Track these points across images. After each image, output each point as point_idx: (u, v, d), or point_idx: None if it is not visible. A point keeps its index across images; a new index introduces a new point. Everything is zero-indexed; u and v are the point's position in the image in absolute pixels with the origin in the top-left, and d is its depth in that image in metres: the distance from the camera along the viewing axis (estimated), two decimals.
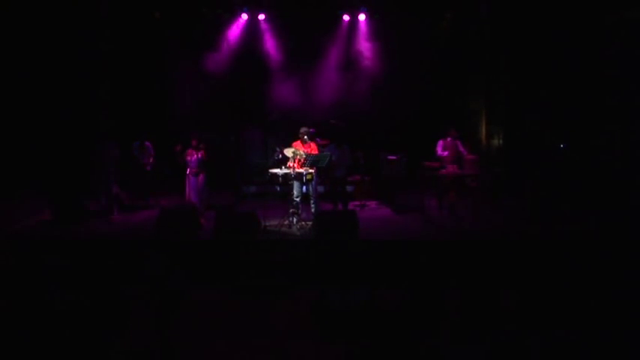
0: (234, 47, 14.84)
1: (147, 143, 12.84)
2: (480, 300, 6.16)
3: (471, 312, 6.06)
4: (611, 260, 8.30)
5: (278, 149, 10.77)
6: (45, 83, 13.16)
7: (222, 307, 7.86)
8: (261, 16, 14.63)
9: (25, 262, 7.95)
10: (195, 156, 10.94)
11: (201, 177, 11.04)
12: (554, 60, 13.07)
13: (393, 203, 12.29)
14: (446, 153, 11.51)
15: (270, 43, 14.89)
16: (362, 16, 14.55)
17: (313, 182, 10.65)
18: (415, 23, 14.41)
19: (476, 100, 14.84)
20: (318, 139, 11.63)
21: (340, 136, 12.23)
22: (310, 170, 10.35)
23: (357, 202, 12.81)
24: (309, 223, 10.38)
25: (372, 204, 13.07)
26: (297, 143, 10.68)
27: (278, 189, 11.84)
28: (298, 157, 10.34)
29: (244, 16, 14.57)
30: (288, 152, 10.39)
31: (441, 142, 11.64)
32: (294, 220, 10.38)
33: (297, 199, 10.59)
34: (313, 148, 10.71)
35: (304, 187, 10.71)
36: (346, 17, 14.62)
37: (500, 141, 15.02)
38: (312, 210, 10.83)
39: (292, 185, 10.54)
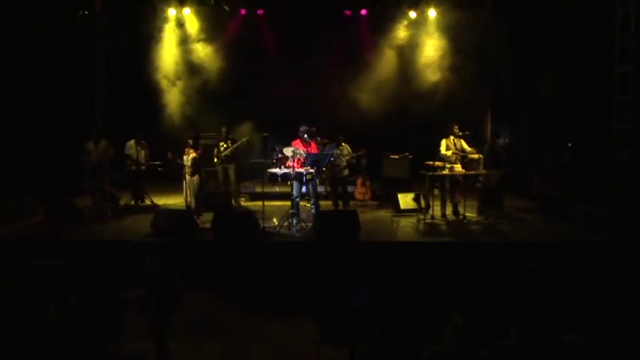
0: (232, 42, 14.86)
1: (142, 142, 12.84)
2: (485, 303, 6.16)
3: (475, 316, 6.06)
4: (621, 262, 8.30)
5: (277, 148, 10.79)
6: (37, 81, 13.15)
7: (219, 310, 7.89)
8: (260, 12, 14.67)
9: (16, 265, 7.94)
10: (192, 156, 10.94)
11: (197, 177, 11.05)
12: (563, 55, 13.08)
13: (396, 203, 12.30)
14: (449, 152, 11.52)
15: (269, 39, 14.92)
16: (363, 12, 14.57)
17: (313, 182, 10.66)
18: (417, 17, 14.44)
19: (481, 97, 14.87)
20: (318, 138, 11.66)
21: (341, 135, 12.26)
22: (310, 170, 10.36)
23: (359, 203, 12.82)
24: (309, 224, 10.40)
25: (374, 204, 13.09)
26: (297, 142, 10.69)
27: (277, 189, 11.86)
28: (298, 156, 10.35)
29: (242, 12, 14.61)
30: (288, 151, 10.41)
31: (444, 141, 11.64)
32: (294, 221, 10.39)
33: (297, 200, 10.61)
34: (313, 148, 10.72)
35: (304, 188, 10.73)
36: (347, 12, 14.64)
37: (506, 140, 15.06)
38: (312, 211, 10.85)
39: (292, 185, 10.56)
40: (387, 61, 14.72)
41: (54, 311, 6.11)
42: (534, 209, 12.16)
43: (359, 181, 13.23)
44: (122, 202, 12.50)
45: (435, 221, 11.11)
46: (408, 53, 14.64)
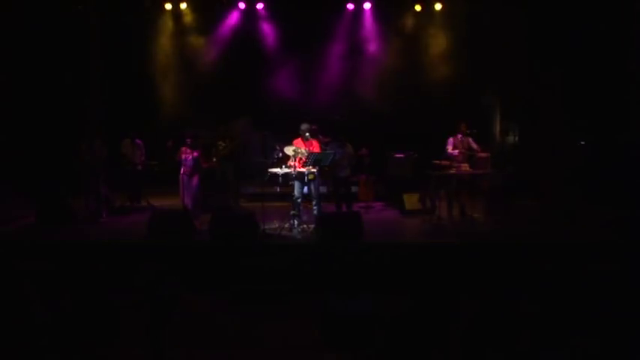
0: (230, 37, 14.85)
1: (137, 141, 12.84)
2: (493, 308, 6.15)
3: (483, 321, 6.05)
4: (636, 266, 8.28)
5: (278, 147, 10.77)
6: (27, 78, 13.16)
7: (218, 315, 7.87)
8: (260, 5, 14.65)
9: (7, 268, 7.95)
10: (190, 155, 10.95)
11: (195, 178, 11.06)
12: (574, 50, 13.04)
13: (400, 204, 12.28)
14: (456, 151, 11.50)
15: (268, 33, 14.91)
16: (367, 5, 14.55)
17: (315, 182, 10.65)
18: (423, 11, 14.41)
19: (489, 94, 14.83)
20: (320, 136, 11.64)
21: (344, 133, 12.23)
22: (312, 169, 10.35)
23: (362, 204, 12.82)
24: (311, 225, 10.39)
25: (378, 205, 13.10)
26: (298, 141, 10.67)
27: (278, 190, 11.84)
28: (299, 155, 10.35)
29: (241, 5, 14.61)
30: (289, 150, 10.40)
31: (451, 140, 11.63)
32: (295, 222, 10.40)
33: (298, 201, 10.60)
34: (315, 146, 10.71)
35: (306, 188, 10.73)
36: (350, 6, 14.62)
37: (516, 138, 15.02)
38: (314, 212, 10.84)
39: (293, 186, 10.55)
40: (391, 56, 14.67)
41: (44, 316, 6.11)
42: (545, 210, 12.11)
43: (362, 181, 13.21)
44: (117, 203, 12.49)
45: (442, 222, 11.09)
46: (413, 48, 14.60)
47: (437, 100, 14.32)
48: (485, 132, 14.27)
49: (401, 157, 13.55)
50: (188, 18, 14.84)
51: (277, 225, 10.53)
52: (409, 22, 14.73)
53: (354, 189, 12.98)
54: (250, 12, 14.81)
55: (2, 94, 12.61)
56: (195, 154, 10.97)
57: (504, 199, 11.98)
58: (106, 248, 9.51)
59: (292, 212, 10.48)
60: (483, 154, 11.64)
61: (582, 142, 13.54)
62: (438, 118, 13.62)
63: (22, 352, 5.82)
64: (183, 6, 14.69)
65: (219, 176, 12.71)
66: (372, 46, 14.96)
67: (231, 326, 7.49)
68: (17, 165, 12.70)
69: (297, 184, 10.51)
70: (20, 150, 12.92)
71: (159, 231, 9.91)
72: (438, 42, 14.63)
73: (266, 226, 10.31)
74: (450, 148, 11.59)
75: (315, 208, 10.86)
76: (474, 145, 11.55)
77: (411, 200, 12.15)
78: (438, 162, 11.57)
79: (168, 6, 14.69)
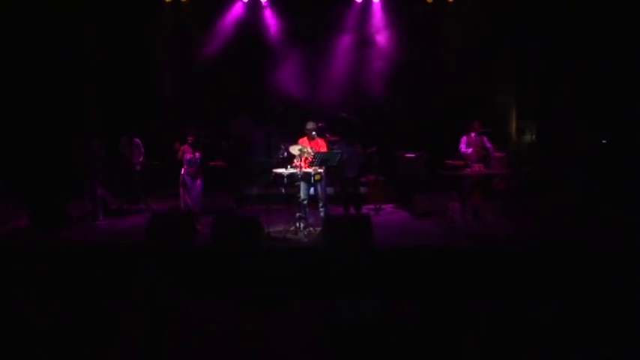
0: (233, 30, 14.89)
1: (136, 140, 12.87)
2: (508, 315, 6.16)
3: (497, 328, 6.06)
4: None
5: (283, 146, 10.80)
6: (22, 75, 13.21)
7: (220, 322, 7.92)
8: None
9: (0, 273, 8.01)
10: (192, 155, 10.97)
11: (198, 179, 11.08)
12: (594, 43, 13.02)
13: (412, 206, 12.30)
14: (470, 150, 11.50)
15: (273, 27, 14.94)
16: None
17: (322, 183, 10.68)
18: (436, 4, 14.41)
19: (505, 91, 14.82)
20: (327, 135, 11.67)
21: (352, 132, 12.25)
22: (319, 170, 10.37)
23: (371, 206, 12.83)
24: (318, 228, 10.43)
25: (388, 207, 13.10)
26: (304, 140, 10.71)
27: (283, 191, 11.89)
28: (305, 155, 10.37)
29: None
30: (294, 150, 10.42)
31: (464, 139, 11.63)
32: (301, 225, 10.43)
33: (305, 202, 10.63)
34: (322, 145, 10.74)
35: (312, 189, 10.75)
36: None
37: (533, 136, 15.00)
38: (321, 214, 10.87)
39: (299, 187, 10.58)
40: (401, 50, 14.66)
41: (41, 323, 6.16)
42: (563, 212, 12.09)
43: (371, 182, 13.22)
44: (114, 204, 12.54)
45: (455, 225, 11.10)
46: (424, 41, 14.59)
47: (450, 97, 14.31)
48: (501, 130, 14.25)
49: (412, 157, 13.57)
50: (189, 10, 14.87)
51: (282, 228, 10.56)
52: (421, 14, 14.71)
53: (362, 190, 13.02)
54: (254, 3, 14.82)
55: None
56: (197, 153, 11.00)
57: (520, 201, 11.99)
58: (103, 252, 9.56)
59: (298, 214, 10.51)
60: (498, 154, 11.65)
61: (604, 141, 13.50)
62: (450, 116, 13.64)
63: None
64: None
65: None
66: (382, 40, 14.94)
67: (233, 333, 7.54)
68: (10, 165, 12.73)
69: (303, 185, 10.53)
70: (13, 149, 12.96)
71: (158, 234, 9.93)
72: (451, 35, 14.61)
73: (270, 229, 10.35)
74: (463, 147, 11.59)
75: (321, 210, 10.88)
76: (489, 144, 11.55)
77: (422, 202, 12.16)
78: (450, 162, 11.58)
79: None
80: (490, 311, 6.09)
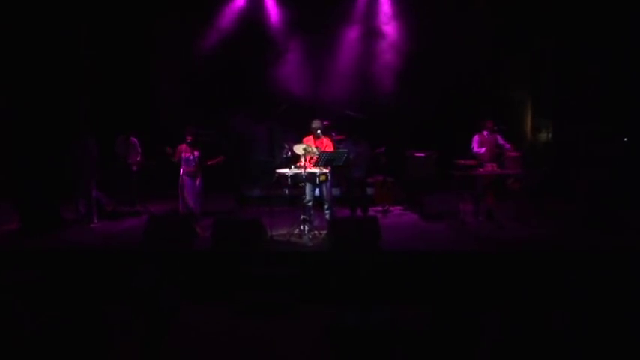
0: (233, 24, 14.90)
1: (132, 139, 12.90)
2: (523, 322, 6.16)
3: (512, 336, 6.07)
4: None
5: (286, 146, 10.84)
6: (12, 70, 13.25)
7: (221, 328, 7.94)
8: None
9: None
10: (191, 155, 11.00)
11: (198, 179, 11.11)
12: (614, 36, 12.99)
13: (421, 208, 12.31)
14: (483, 149, 11.52)
15: (275, 20, 14.95)
16: None
17: (327, 184, 10.70)
18: None
19: (519, 88, 14.81)
20: (333, 134, 11.69)
21: (359, 130, 12.26)
22: (324, 170, 10.39)
23: (379, 208, 12.86)
24: (323, 231, 10.46)
25: (396, 209, 13.13)
26: (309, 139, 10.74)
27: (286, 192, 11.93)
28: (310, 154, 10.39)
29: None
30: (299, 149, 10.43)
31: (477, 137, 11.64)
32: (305, 228, 10.45)
33: (309, 204, 10.65)
34: (328, 145, 10.76)
35: (317, 190, 10.77)
36: None
37: (549, 135, 14.98)
38: (326, 217, 10.88)
39: (303, 188, 10.60)
40: (410, 43, 14.65)
41: (30, 331, 6.18)
42: (582, 215, 12.07)
43: (379, 183, 13.23)
44: (110, 207, 12.57)
45: (467, 228, 11.11)
46: (435, 33, 14.56)
47: (461, 93, 14.29)
48: (515, 129, 14.25)
49: (421, 157, 13.59)
50: (188, 3, 14.89)
51: (286, 231, 10.59)
52: (432, 5, 14.69)
53: (369, 191, 13.03)
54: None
55: None
56: (196, 153, 11.02)
57: (536, 203, 11.97)
58: (98, 256, 9.59)
59: (302, 217, 10.53)
60: (513, 153, 11.64)
61: (625, 139, 13.48)
62: (462, 113, 13.63)
63: None
64: None
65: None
66: (390, 31, 14.93)
67: (234, 339, 7.56)
68: (0, 165, 12.77)
69: (307, 186, 10.56)
70: (3, 149, 12.99)
71: (156, 237, 9.97)
72: (464, 28, 14.56)
73: (274, 232, 10.38)
74: (475, 147, 11.60)
75: (327, 212, 10.90)
76: (504, 142, 11.56)
77: (432, 203, 12.15)
78: (462, 162, 11.58)
79: None
80: (504, 319, 6.09)
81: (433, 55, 14.39)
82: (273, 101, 14.59)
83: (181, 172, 11.10)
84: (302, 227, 10.47)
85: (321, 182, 10.49)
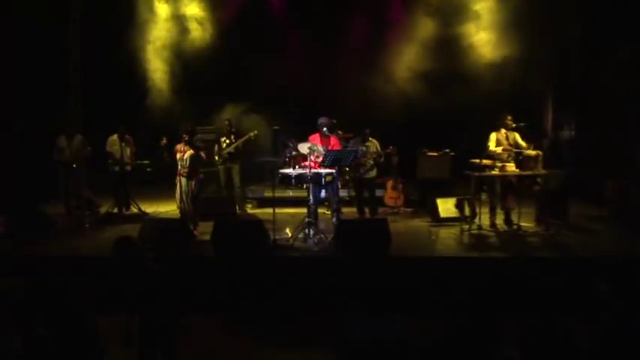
0: (234, 13, 14.91)
1: (127, 137, 12.89)
2: (544, 333, 6.14)
3: (532, 348, 6.05)
4: None
5: (291, 144, 10.83)
6: None
7: (220, 339, 7.95)
8: None
9: None
10: (188, 154, 10.98)
11: (193, 180, 11.10)
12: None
13: (434, 210, 12.29)
14: (500, 148, 11.47)
15: (277, 6, 14.96)
16: None
17: (334, 185, 10.69)
18: None
19: (540, 81, 14.77)
20: (340, 132, 11.68)
21: (367, 128, 12.25)
22: (330, 170, 10.38)
23: (389, 210, 12.84)
24: (329, 235, 10.43)
25: (407, 212, 13.10)
26: (315, 137, 10.74)
27: (290, 193, 11.93)
28: (316, 153, 10.38)
29: None
30: (304, 148, 10.44)
31: (493, 135, 11.60)
32: (311, 231, 10.44)
33: (314, 206, 10.64)
34: (335, 143, 10.76)
35: (323, 192, 10.77)
36: None
37: (572, 132, 14.94)
38: (333, 219, 10.88)
39: (308, 189, 10.60)
40: (422, 35, 14.63)
41: (18, 344, 6.17)
42: (607, 218, 12.05)
43: (389, 184, 13.22)
44: (103, 209, 12.58)
45: (483, 232, 11.11)
46: (449, 25, 14.53)
47: (477, 88, 14.25)
48: (536, 126, 14.18)
49: (434, 156, 13.57)
50: None
51: (290, 234, 10.59)
52: None
53: (379, 192, 13.02)
54: None
55: None
56: (189, 152, 10.99)
57: (558, 205, 11.94)
58: (90, 262, 9.59)
59: (307, 220, 10.52)
60: (533, 152, 11.61)
61: None
62: (478, 110, 13.60)
63: None
64: None
65: (223, 178, 12.79)
66: (400, 24, 14.89)
67: (236, 352, 7.56)
68: None
69: (312, 187, 10.54)
70: None
71: (152, 242, 9.96)
72: (480, 17, 14.51)
73: (277, 236, 10.38)
74: (492, 145, 11.56)
75: (333, 215, 10.90)
76: (522, 142, 11.52)
77: (446, 206, 12.13)
78: (478, 161, 11.55)
79: None
80: (524, 329, 6.08)
81: (448, 46, 14.37)
82: (277, 97, 14.64)
83: (178, 172, 11.07)
84: (307, 230, 10.45)
85: (327, 183, 10.44)
